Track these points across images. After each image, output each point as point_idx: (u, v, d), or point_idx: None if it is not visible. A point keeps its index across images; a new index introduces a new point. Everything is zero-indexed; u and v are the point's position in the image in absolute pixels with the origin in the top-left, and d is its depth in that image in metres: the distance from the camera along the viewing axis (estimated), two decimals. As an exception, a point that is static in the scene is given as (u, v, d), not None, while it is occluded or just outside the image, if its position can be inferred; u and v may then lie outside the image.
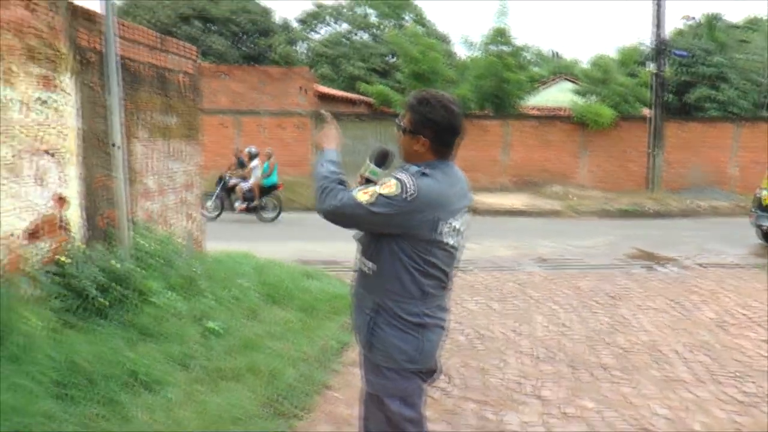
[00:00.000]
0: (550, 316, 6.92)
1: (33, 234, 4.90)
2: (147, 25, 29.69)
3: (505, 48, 20.68)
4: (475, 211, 11.84)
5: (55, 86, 5.22)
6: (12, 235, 4.69)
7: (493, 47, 20.80)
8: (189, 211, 7.76)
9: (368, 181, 2.83)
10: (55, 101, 5.22)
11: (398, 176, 2.64)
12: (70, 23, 5.45)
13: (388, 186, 2.62)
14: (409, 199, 2.59)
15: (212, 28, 32.73)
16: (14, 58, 4.76)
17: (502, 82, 20.40)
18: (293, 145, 19.31)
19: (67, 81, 5.37)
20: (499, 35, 20.74)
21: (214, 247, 8.29)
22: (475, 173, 19.03)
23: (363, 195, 2.62)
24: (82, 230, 5.52)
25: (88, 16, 5.74)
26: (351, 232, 2.82)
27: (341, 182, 2.70)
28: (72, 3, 5.52)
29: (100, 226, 5.77)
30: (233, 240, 10.32)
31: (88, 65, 5.68)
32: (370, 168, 2.89)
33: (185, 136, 7.62)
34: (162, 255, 5.97)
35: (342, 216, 2.61)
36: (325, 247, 10.32)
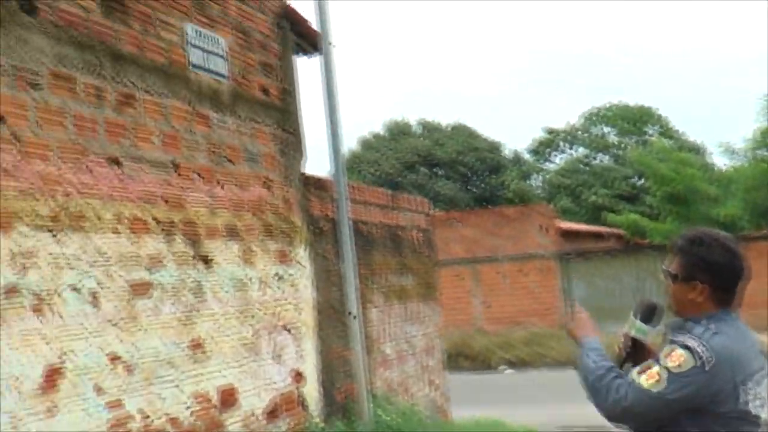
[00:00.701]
0: None
1: (272, 413, 5.14)
2: (372, 178, 32.09)
3: (776, 151, 19.13)
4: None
5: (291, 260, 5.64)
6: (252, 414, 4.96)
7: (761, 152, 19.31)
8: (431, 378, 7.76)
9: (634, 342, 2.61)
10: (291, 275, 5.62)
11: (683, 342, 2.36)
12: (302, 194, 5.96)
13: (675, 358, 2.34)
14: (707, 368, 2.32)
15: (439, 172, 34.44)
16: (253, 237, 5.25)
17: (780, 192, 18.69)
18: (538, 292, 18.91)
19: (301, 253, 5.78)
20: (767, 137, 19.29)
21: (461, 413, 8.12)
22: (757, 309, 17.04)
23: (648, 380, 2.36)
24: (319, 406, 5.69)
25: (319, 184, 6.24)
26: None
27: (616, 375, 2.48)
28: (304, 174, 6.06)
29: (338, 400, 5.92)
30: (473, 403, 10.06)
31: (321, 234, 6.09)
32: (635, 325, 2.66)
33: (422, 296, 7.78)
34: (405, 429, 5.95)
35: (632, 414, 2.39)
36: (592, 409, 9.64)
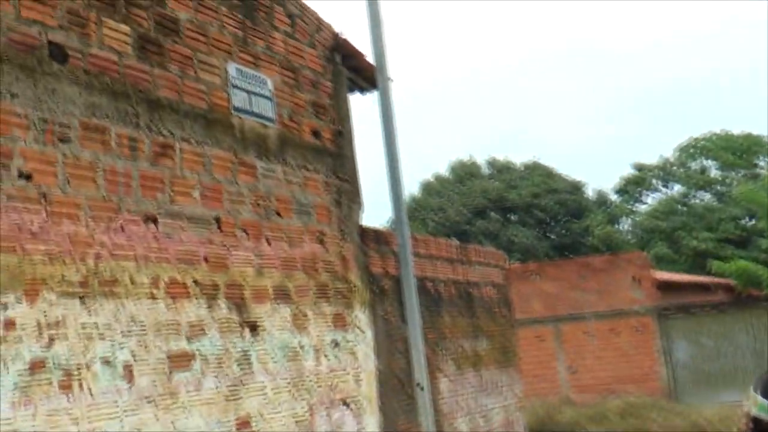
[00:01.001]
0: None
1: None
2: (436, 227, 32.05)
3: None
4: None
5: (349, 324, 5.61)
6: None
7: None
8: (511, 459, 7.56)
9: (756, 422, 2.47)
10: (349, 341, 5.58)
11: None
12: (360, 249, 5.94)
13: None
14: None
15: (513, 218, 34.22)
16: (306, 299, 5.25)
17: None
18: (633, 355, 18.38)
19: (360, 316, 5.75)
20: None
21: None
22: None
23: None
24: (384, 494, 5.59)
25: (379, 237, 6.22)
26: None
27: None
28: (361, 226, 6.05)
29: (407, 487, 5.81)
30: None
31: (383, 294, 6.06)
32: (758, 402, 2.52)
33: (499, 362, 7.65)
34: None
35: None
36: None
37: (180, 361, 4.19)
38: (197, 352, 4.32)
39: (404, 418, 5.95)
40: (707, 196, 33.68)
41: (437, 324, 6.76)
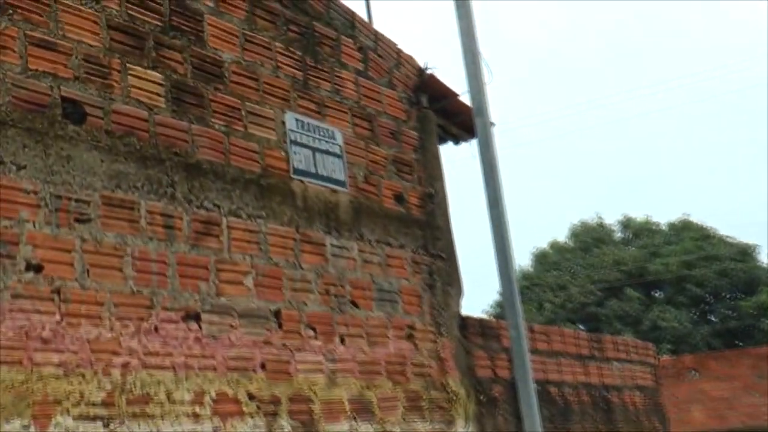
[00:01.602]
0: None
1: None
2: (555, 311, 31.51)
3: None
4: None
5: (449, 445, 5.48)
6: None
7: None
8: None
9: None
10: (451, 468, 5.45)
11: None
12: (462, 346, 5.83)
13: None
14: None
15: (657, 295, 33.46)
16: (393, 414, 5.15)
17: None
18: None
19: (465, 434, 5.62)
20: None
21: None
22: None
23: None
24: None
25: (484, 329, 6.11)
26: None
27: None
28: (462, 316, 5.95)
29: None
30: None
31: (492, 404, 5.94)
32: None
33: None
34: None
35: None
36: None
37: (233, 499, 4.13)
38: (255, 488, 4.25)
39: None
40: None
41: (566, 442, 6.56)
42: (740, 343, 28.35)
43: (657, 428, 7.62)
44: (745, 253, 34.03)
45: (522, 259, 35.17)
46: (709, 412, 18.79)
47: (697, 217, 35.42)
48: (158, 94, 4.31)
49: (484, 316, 7.03)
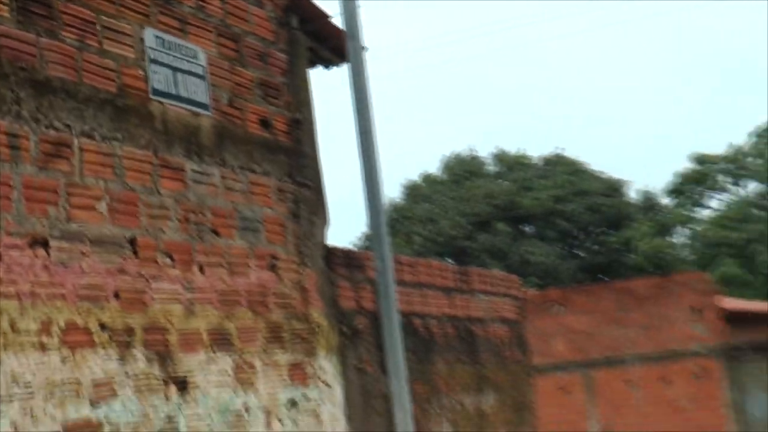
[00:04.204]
0: None
1: None
2: (425, 244, 31.96)
3: None
4: None
5: (310, 377, 5.55)
6: None
7: None
8: None
9: None
10: (311, 400, 5.52)
11: None
12: (326, 277, 5.86)
13: None
14: None
15: (527, 230, 34.19)
16: (253, 346, 5.17)
17: None
18: (691, 410, 18.38)
19: (326, 366, 5.69)
20: None
21: None
22: None
23: None
24: None
25: (349, 260, 6.15)
26: None
27: None
28: (327, 246, 5.98)
29: None
30: None
31: (356, 336, 6.01)
32: None
33: (510, 422, 7.66)
34: None
35: None
36: None
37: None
38: (105, 420, 4.20)
39: (387, 502, 5.88)
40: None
41: (429, 374, 6.72)
42: (605, 278, 29.31)
43: (519, 360, 7.85)
44: (614, 188, 35.01)
45: (392, 191, 35.43)
46: (571, 345, 19.41)
47: (572, 152, 36.18)
48: (2, 2, 4.10)
49: (351, 247, 7.17)
